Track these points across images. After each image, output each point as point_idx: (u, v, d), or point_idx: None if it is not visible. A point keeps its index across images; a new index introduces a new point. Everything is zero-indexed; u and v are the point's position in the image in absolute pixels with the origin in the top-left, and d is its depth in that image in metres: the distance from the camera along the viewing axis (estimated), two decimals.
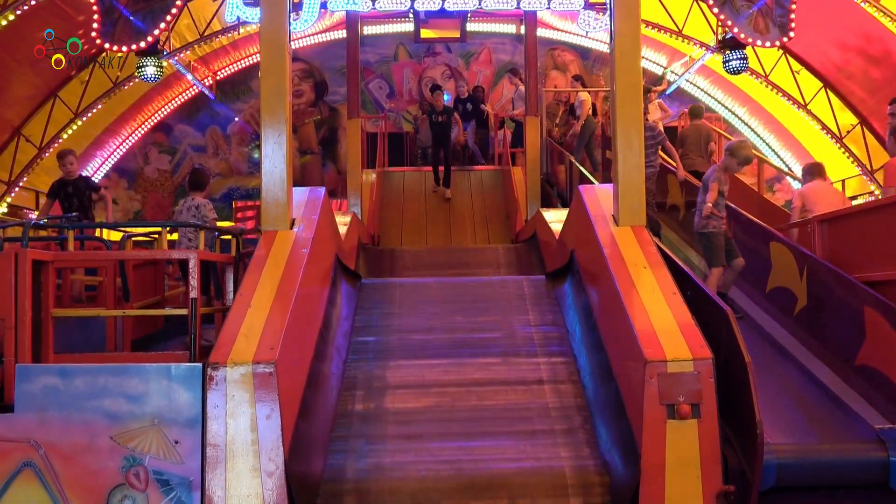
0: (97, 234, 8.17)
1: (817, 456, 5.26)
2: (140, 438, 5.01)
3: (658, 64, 19.72)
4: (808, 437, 5.53)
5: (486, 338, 7.12)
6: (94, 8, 12.12)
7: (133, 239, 7.45)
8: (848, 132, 17.58)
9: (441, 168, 15.22)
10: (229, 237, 7.77)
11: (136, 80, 15.22)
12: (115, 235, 8.34)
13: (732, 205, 8.90)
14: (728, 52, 13.97)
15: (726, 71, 14.64)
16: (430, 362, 6.70)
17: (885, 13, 14.37)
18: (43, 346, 5.65)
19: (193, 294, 5.91)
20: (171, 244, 8.05)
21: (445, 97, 16.63)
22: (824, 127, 17.81)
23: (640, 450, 4.99)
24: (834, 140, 17.81)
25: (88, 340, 6.85)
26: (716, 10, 13.02)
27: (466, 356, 6.77)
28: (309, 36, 19.03)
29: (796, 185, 19.17)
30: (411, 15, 16.67)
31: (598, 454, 5.57)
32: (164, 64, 14.11)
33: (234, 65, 19.72)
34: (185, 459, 4.97)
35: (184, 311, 6.05)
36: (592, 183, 10.29)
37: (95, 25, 12.12)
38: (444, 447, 5.68)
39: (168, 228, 7.66)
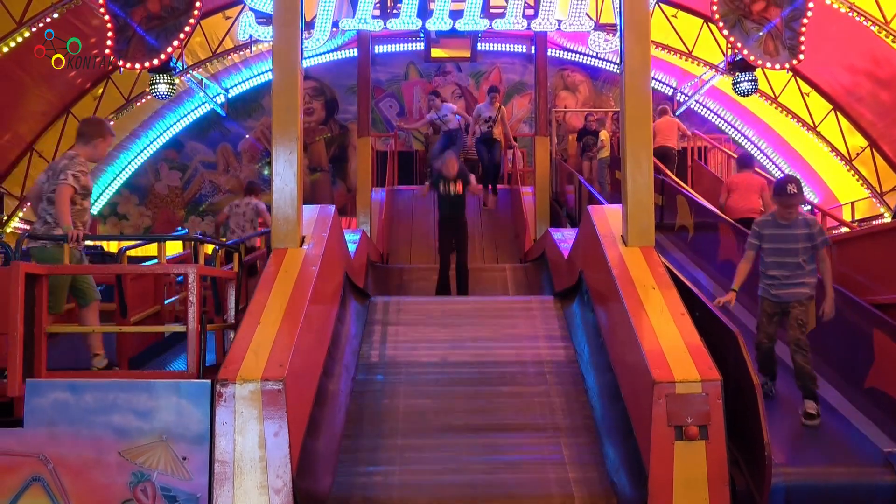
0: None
1: (826, 479, 5.24)
2: (148, 454, 5.03)
3: (668, 85, 19.77)
4: (816, 460, 5.50)
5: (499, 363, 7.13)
6: (109, 25, 12.23)
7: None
8: (857, 154, 17.56)
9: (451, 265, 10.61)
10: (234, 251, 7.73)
11: (149, 96, 15.33)
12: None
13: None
14: (738, 73, 13.99)
15: (736, 93, 14.65)
16: None
17: (894, 37, 14.39)
18: (35, 361, 5.47)
19: (193, 309, 5.73)
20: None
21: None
22: (834, 149, 17.81)
23: (647, 471, 4.99)
24: (843, 162, 17.81)
25: (83, 357, 6.80)
26: (725, 32, 13.07)
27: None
28: (321, 54, 19.13)
29: (805, 207, 19.18)
30: (422, 34, 16.76)
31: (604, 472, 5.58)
32: (177, 81, 14.20)
33: (246, 82, 19.83)
34: (193, 475, 4.98)
35: (182, 329, 5.85)
36: (602, 203, 10.30)
37: (109, 43, 12.22)
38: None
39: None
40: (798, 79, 17.20)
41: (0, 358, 5.59)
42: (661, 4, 16.39)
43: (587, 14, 14.26)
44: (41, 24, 13.70)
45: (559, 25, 13.76)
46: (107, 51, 12.22)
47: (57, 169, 6.12)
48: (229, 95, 19.81)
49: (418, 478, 5.58)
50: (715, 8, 13.00)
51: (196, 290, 5.72)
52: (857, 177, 17.70)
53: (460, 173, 10.40)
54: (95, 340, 6.20)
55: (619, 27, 7.17)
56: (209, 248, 7.75)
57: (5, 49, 13.51)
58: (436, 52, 17.76)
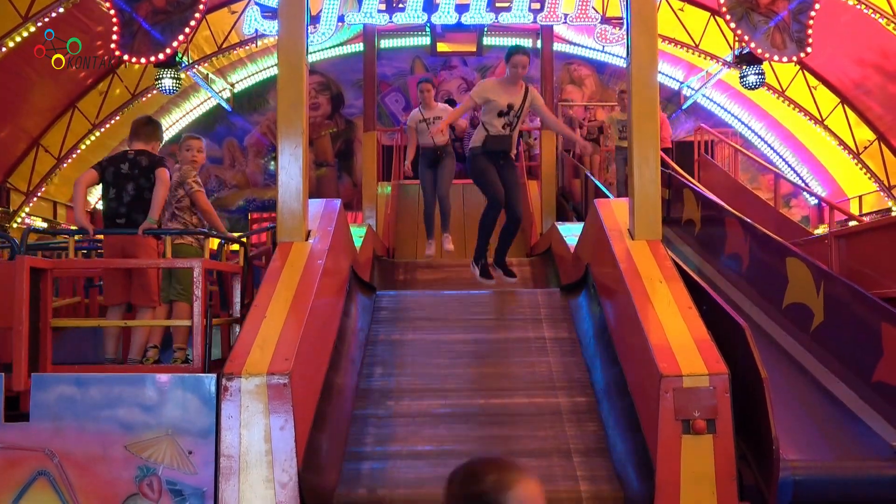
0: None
1: (834, 473, 5.23)
2: (154, 448, 5.02)
3: (674, 78, 19.71)
4: (824, 454, 5.48)
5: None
6: (114, 20, 12.24)
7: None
8: (865, 148, 17.49)
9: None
10: (237, 247, 7.71)
11: (154, 91, 15.33)
12: None
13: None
14: (745, 67, 13.96)
15: (743, 86, 14.62)
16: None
17: None
18: (41, 356, 5.48)
19: (199, 303, 5.77)
20: None
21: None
22: (841, 143, 17.73)
23: (654, 465, 4.97)
24: (851, 156, 17.74)
25: (89, 352, 6.80)
26: (733, 25, 13.04)
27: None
28: (326, 49, 19.11)
29: (813, 201, 19.15)
30: (428, 29, 16.74)
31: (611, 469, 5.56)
32: (182, 76, 14.19)
33: (252, 77, 19.82)
34: (199, 470, 4.98)
35: (188, 323, 5.93)
36: (608, 197, 10.26)
37: (115, 37, 12.23)
38: None
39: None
40: (805, 72, 17.13)
41: (5, 353, 5.61)
42: None
43: (593, 7, 14.23)
44: (46, 20, 13.68)
45: (565, 19, 13.73)
46: (112, 45, 12.23)
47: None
48: (235, 90, 19.82)
49: (424, 472, 5.57)
50: (722, 1, 12.96)
51: (202, 285, 5.73)
52: (864, 170, 17.64)
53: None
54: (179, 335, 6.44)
55: (625, 21, 7.12)
56: (214, 243, 7.75)
57: (11, 44, 13.51)
58: (441, 47, 17.75)
